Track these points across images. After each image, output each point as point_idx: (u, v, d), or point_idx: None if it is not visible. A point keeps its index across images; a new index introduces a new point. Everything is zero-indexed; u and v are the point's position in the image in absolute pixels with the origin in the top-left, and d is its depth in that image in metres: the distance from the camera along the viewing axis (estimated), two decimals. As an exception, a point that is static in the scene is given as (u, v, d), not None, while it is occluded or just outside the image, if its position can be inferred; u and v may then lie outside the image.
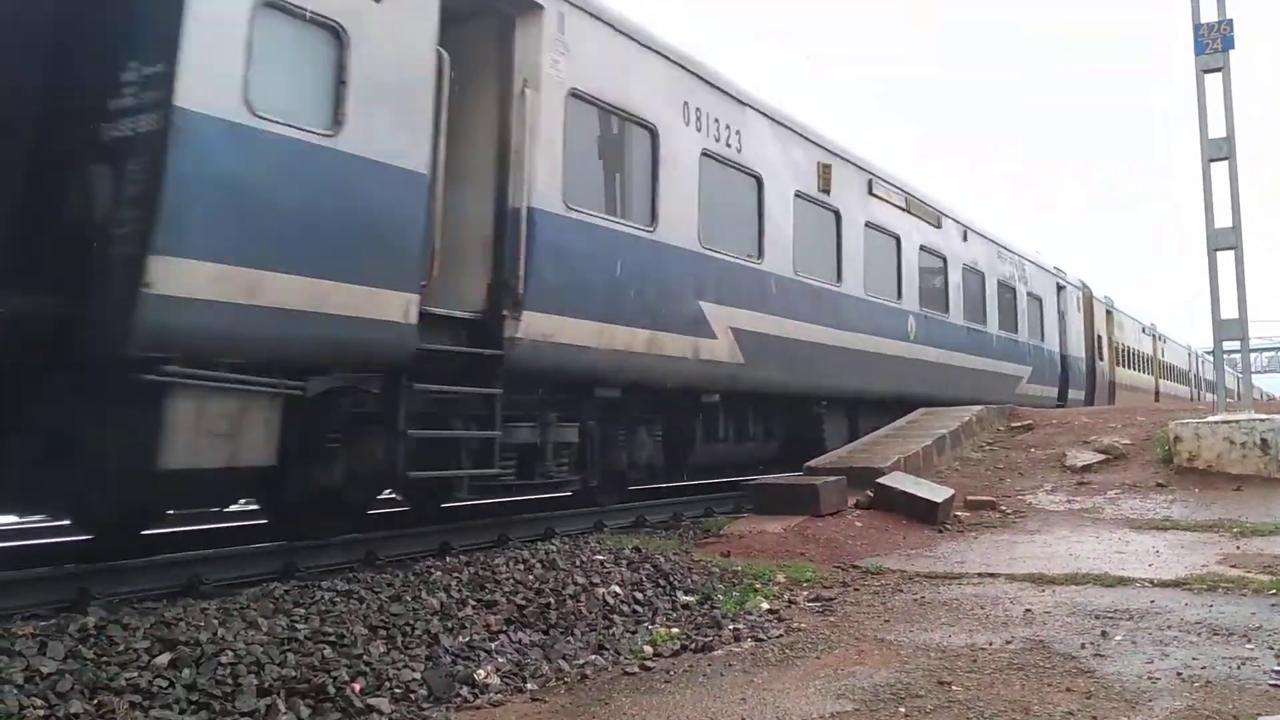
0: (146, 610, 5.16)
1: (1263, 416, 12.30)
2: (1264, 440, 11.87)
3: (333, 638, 5.07)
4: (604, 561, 7.27)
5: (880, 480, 10.53)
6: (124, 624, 4.79)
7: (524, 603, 6.23)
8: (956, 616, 6.22)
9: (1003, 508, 10.93)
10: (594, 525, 9.69)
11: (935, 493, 10.39)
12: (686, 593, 7.06)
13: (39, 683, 4.09)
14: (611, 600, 6.61)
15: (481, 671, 5.12)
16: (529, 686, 5.03)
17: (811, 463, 12.02)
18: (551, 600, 6.33)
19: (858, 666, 5.12)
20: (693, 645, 5.76)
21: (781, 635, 5.92)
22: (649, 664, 5.37)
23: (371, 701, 4.54)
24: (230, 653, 4.61)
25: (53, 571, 6.28)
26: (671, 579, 7.23)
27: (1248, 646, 5.15)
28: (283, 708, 4.33)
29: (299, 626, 5.14)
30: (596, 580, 6.84)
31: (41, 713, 3.87)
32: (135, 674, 4.29)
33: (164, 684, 4.26)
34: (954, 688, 4.67)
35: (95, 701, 4.02)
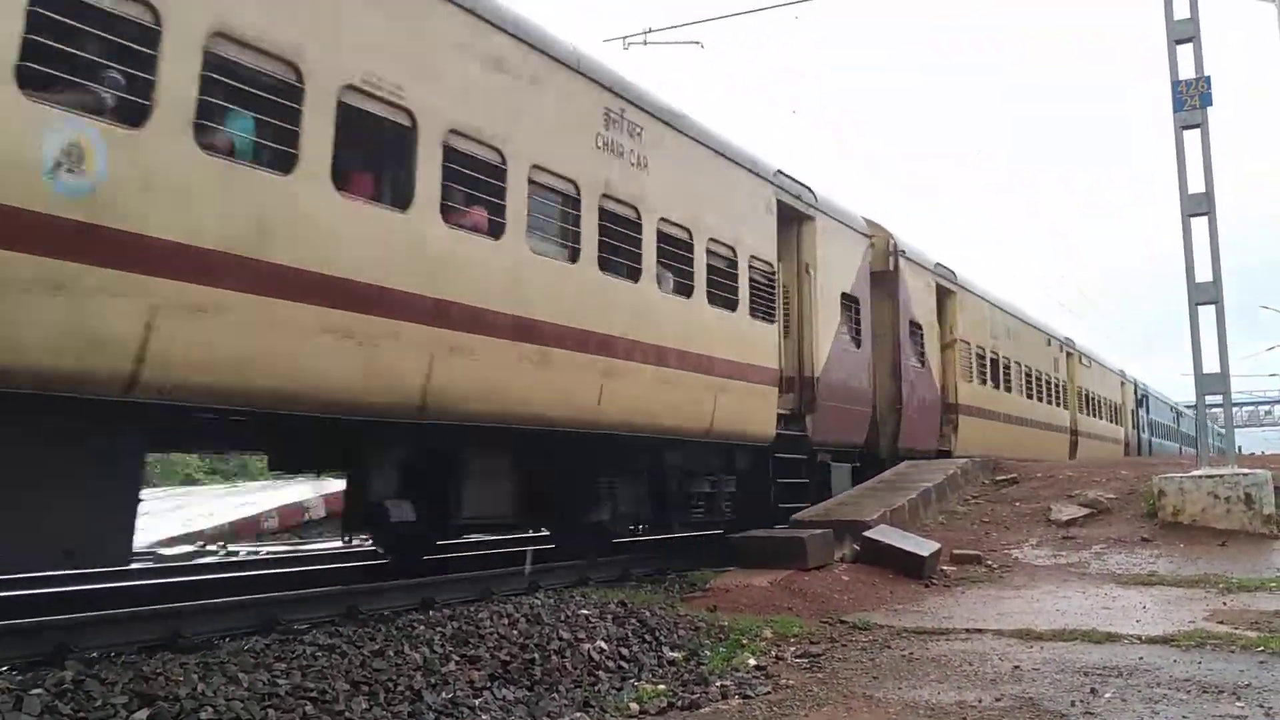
0: (125, 664, 5.07)
1: (1246, 471, 12.34)
2: (1248, 495, 11.90)
3: (314, 693, 5.00)
4: (589, 616, 7.21)
5: (867, 534, 10.50)
6: (102, 678, 4.70)
7: (508, 658, 6.17)
8: (945, 673, 6.17)
9: (989, 562, 10.91)
10: (579, 579, 9.60)
11: (922, 547, 10.36)
12: (673, 648, 6.99)
13: (13, 740, 4.00)
14: (597, 656, 6.55)
15: (465, 729, 5.04)
16: (514, 744, 4.96)
17: (797, 515, 11.99)
18: (536, 656, 6.27)
19: (846, 724, 5.06)
20: (679, 703, 5.69)
21: (769, 692, 5.85)
22: (635, 721, 5.31)
23: (353, 760, 4.46)
24: (210, 709, 4.54)
25: (30, 624, 6.17)
26: (658, 634, 7.17)
27: (1238, 705, 5.12)
28: (263, 766, 4.25)
29: (280, 682, 5.07)
30: (582, 635, 6.78)
31: (15, 771, 3.79)
32: (112, 731, 4.21)
33: (142, 741, 4.18)
34: (944, 746, 4.62)
35: (71, 760, 3.93)
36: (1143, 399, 38.19)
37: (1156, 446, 39.88)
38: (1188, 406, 44.28)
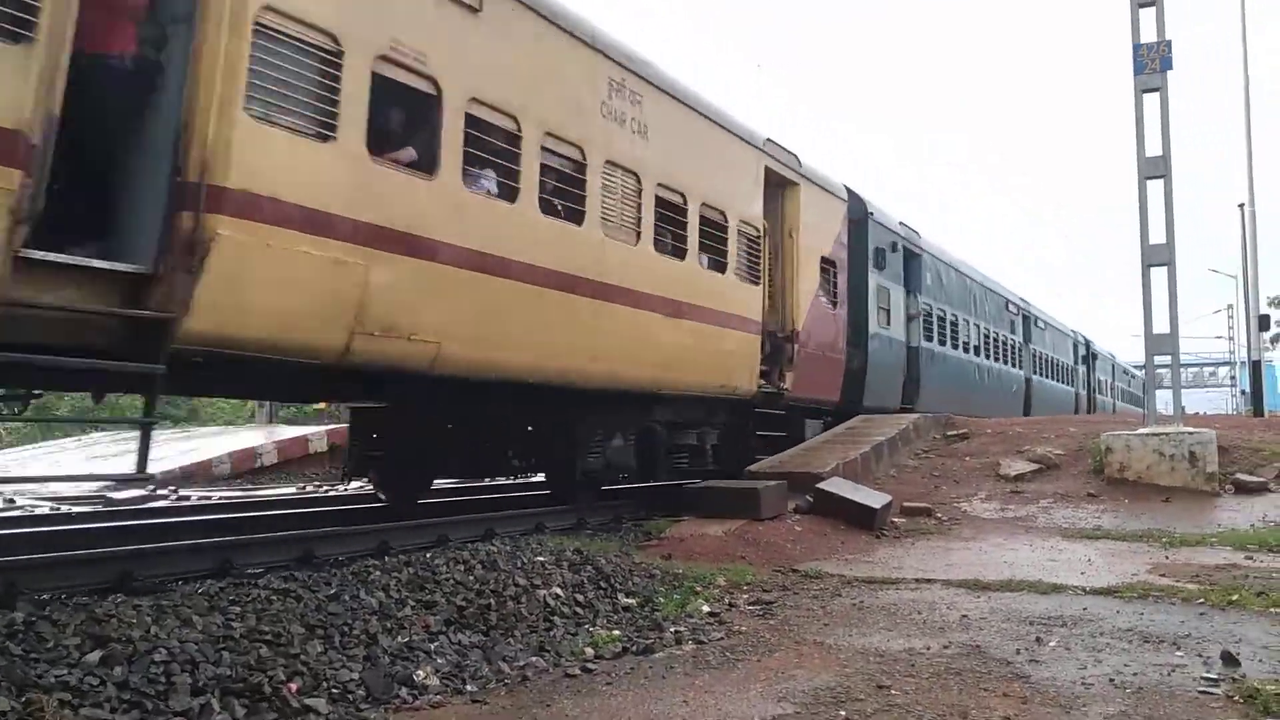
0: (77, 606, 5.02)
1: (1191, 430, 12.61)
2: (1192, 453, 12.18)
3: (269, 636, 4.98)
4: (545, 563, 7.23)
5: (820, 485, 10.62)
6: (54, 620, 4.66)
7: (464, 604, 6.18)
8: (894, 621, 6.28)
9: (939, 515, 11.09)
10: (535, 527, 9.63)
11: (873, 499, 10.50)
12: (628, 595, 7.05)
13: (-37, 680, 3.96)
14: (552, 602, 6.59)
15: (421, 672, 5.06)
16: (469, 688, 4.99)
17: (752, 467, 12.10)
18: (492, 601, 6.29)
19: (798, 670, 5.15)
20: (634, 648, 5.75)
21: (722, 638, 5.93)
22: (590, 666, 5.36)
23: (308, 702, 4.47)
24: (164, 650, 4.50)
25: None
26: (613, 581, 7.22)
27: (1178, 654, 5.27)
28: (217, 707, 4.25)
29: (234, 625, 5.04)
30: (538, 582, 6.81)
31: (-35, 711, 3.75)
32: (65, 671, 4.18)
33: (95, 682, 4.15)
34: (892, 691, 4.71)
35: (23, 699, 3.89)
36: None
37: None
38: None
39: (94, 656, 4.37)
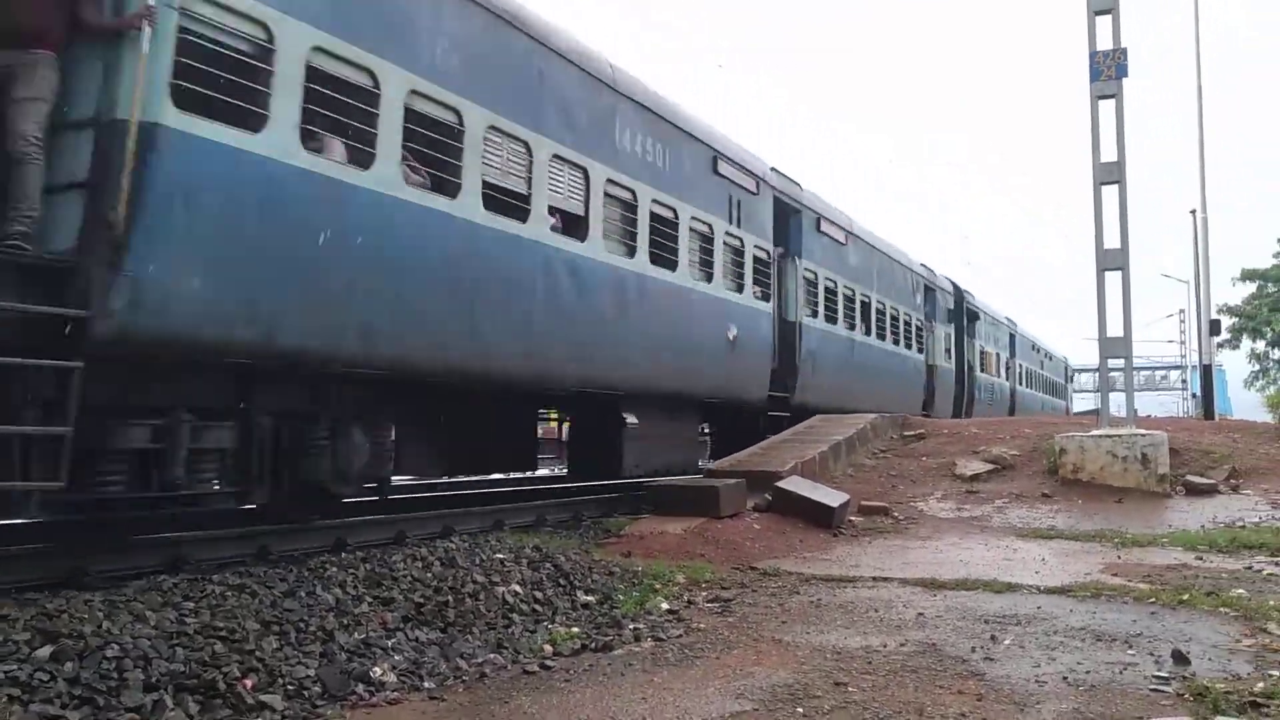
0: (26, 601, 4.94)
1: (1143, 432, 12.80)
2: (1144, 455, 12.36)
3: (224, 633, 4.92)
4: (504, 560, 7.21)
5: (779, 484, 10.67)
6: (3, 615, 4.57)
7: (422, 600, 6.15)
8: (851, 619, 6.32)
9: (895, 514, 11.18)
10: (494, 524, 9.60)
11: (831, 498, 10.57)
12: (587, 592, 7.05)
13: (-92, 676, 3.88)
14: (511, 599, 6.57)
15: (378, 669, 5.02)
16: (426, 685, 4.96)
17: (711, 465, 12.15)
18: (450, 599, 6.26)
19: (756, 667, 5.16)
20: (593, 645, 5.74)
21: (681, 635, 5.94)
22: (549, 663, 5.34)
23: (263, 698, 4.43)
24: (116, 646, 4.43)
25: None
26: (572, 578, 7.21)
27: (1129, 652, 5.34)
28: (170, 703, 4.19)
29: (188, 620, 4.98)
30: (496, 579, 6.79)
31: (-90, 707, 3.68)
32: (14, 667, 4.10)
33: (45, 677, 4.08)
34: (850, 689, 4.74)
35: (-31, 695, 3.83)
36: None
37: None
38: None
39: (44, 652, 4.30)
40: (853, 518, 10.75)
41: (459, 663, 5.33)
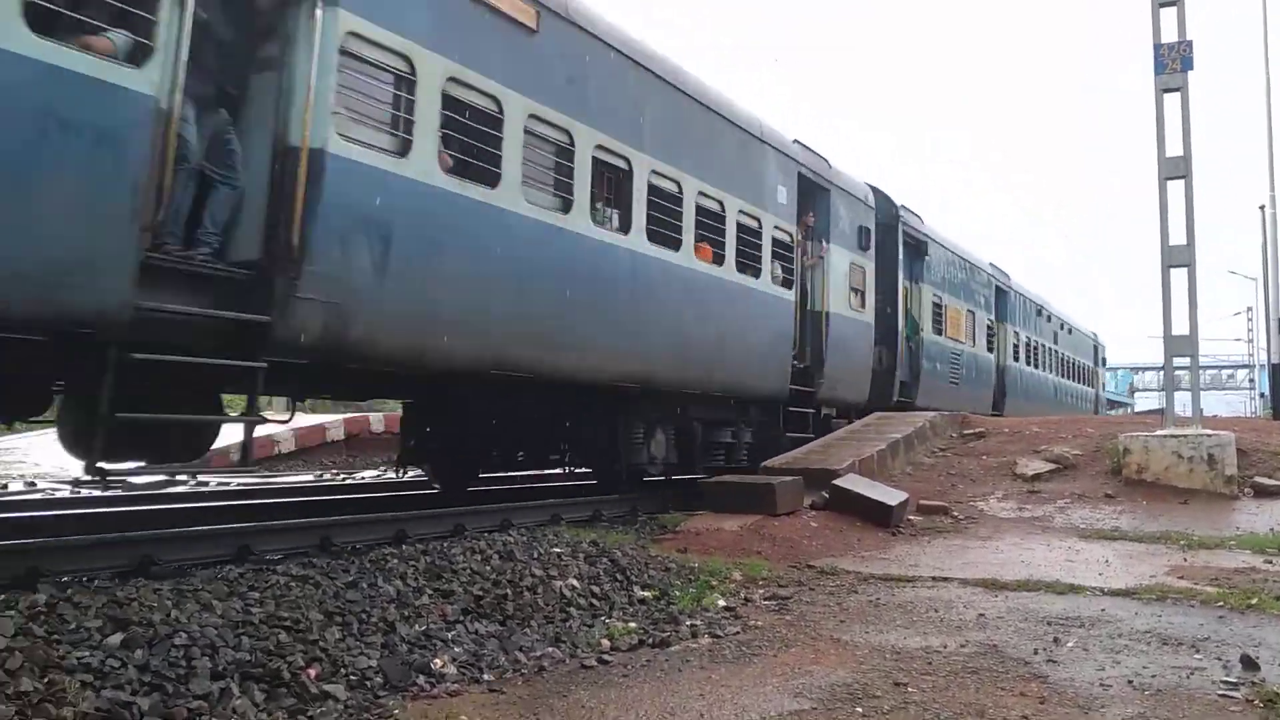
0: (98, 589, 5.05)
1: (1210, 432, 12.53)
2: (1211, 455, 12.10)
3: (288, 622, 5.00)
4: (561, 554, 7.25)
5: (836, 482, 10.61)
6: (75, 602, 4.68)
7: (481, 593, 6.20)
8: (911, 619, 6.27)
9: (955, 513, 11.06)
10: (551, 518, 9.65)
11: (890, 496, 10.48)
12: (643, 588, 7.06)
13: (-12, 658, 3.98)
14: (568, 593, 6.60)
15: (438, 661, 5.08)
16: (486, 677, 5.00)
17: (768, 462, 12.09)
18: (508, 592, 6.31)
19: (814, 666, 5.14)
20: (650, 640, 5.76)
21: (738, 633, 5.94)
22: (606, 658, 5.37)
23: (327, 688, 4.49)
24: (184, 635, 4.53)
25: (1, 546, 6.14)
26: (629, 574, 7.23)
27: (1196, 657, 5.24)
28: (236, 691, 4.27)
29: (253, 610, 5.07)
30: (554, 573, 6.82)
31: (-10, 689, 3.78)
32: (87, 653, 4.20)
33: (116, 664, 4.18)
34: (910, 689, 4.70)
35: (45, 680, 3.93)
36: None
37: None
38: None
39: (115, 639, 4.40)
40: (911, 517, 10.65)
41: (518, 656, 5.37)
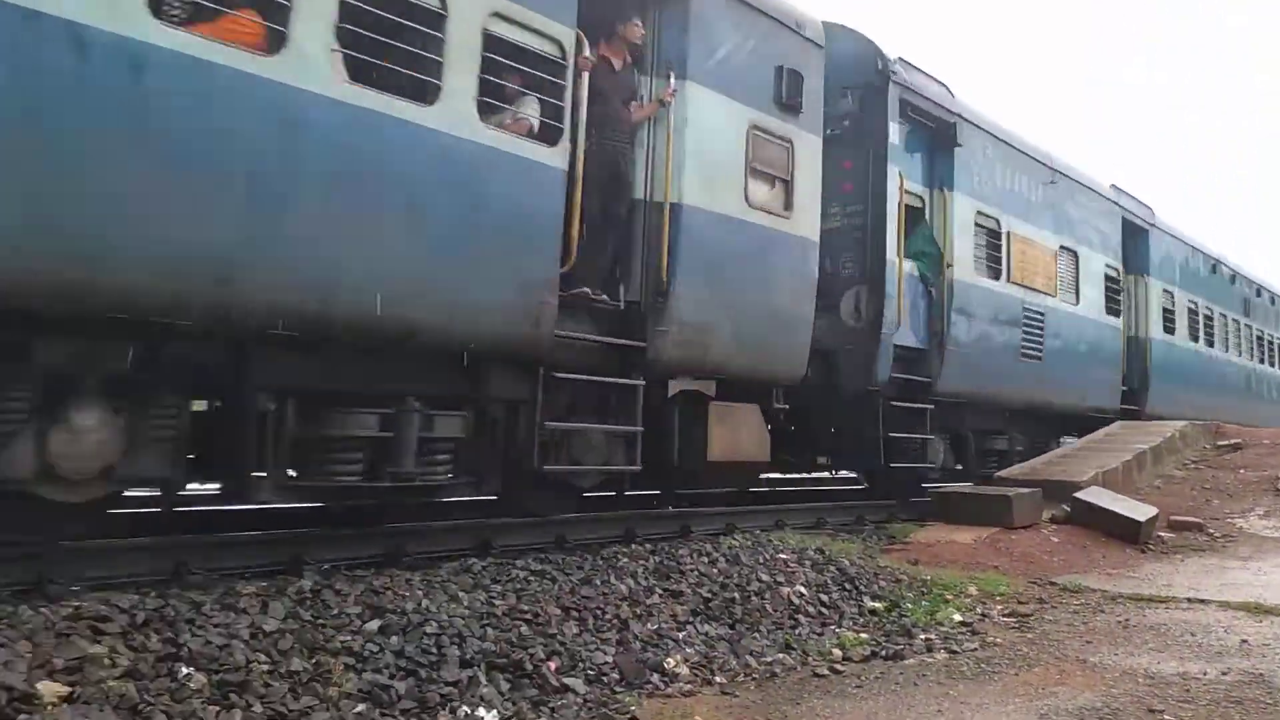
0: (356, 578, 5.39)
1: None
2: None
3: (528, 615, 5.21)
4: (787, 561, 7.23)
5: (1078, 495, 10.09)
6: (336, 589, 5.02)
7: (709, 595, 6.26)
8: (1165, 642, 5.90)
9: (1210, 530, 10.32)
10: (774, 523, 9.60)
11: (1137, 511, 9.90)
12: (873, 599, 6.94)
13: (262, 639, 4.32)
14: (797, 600, 6.56)
15: (671, 660, 5.16)
16: (717, 679, 5.04)
17: (1002, 473, 11.63)
18: (736, 595, 6.34)
19: (1060, 687, 4.92)
20: (883, 652, 5.65)
21: (976, 649, 5.74)
22: (839, 667, 5.31)
23: (567, 681, 4.65)
24: (434, 623, 4.79)
25: (267, 536, 6.61)
26: (858, 583, 7.13)
27: None
28: (484, 680, 4.47)
29: (496, 602, 5.30)
30: (781, 579, 6.81)
31: (265, 668, 4.09)
32: (349, 638, 4.50)
33: (374, 649, 4.45)
34: (1165, 717, 4.43)
35: (314, 660, 4.23)
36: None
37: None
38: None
39: (373, 625, 4.69)
40: (1162, 533, 10.00)
41: (748, 660, 5.39)
